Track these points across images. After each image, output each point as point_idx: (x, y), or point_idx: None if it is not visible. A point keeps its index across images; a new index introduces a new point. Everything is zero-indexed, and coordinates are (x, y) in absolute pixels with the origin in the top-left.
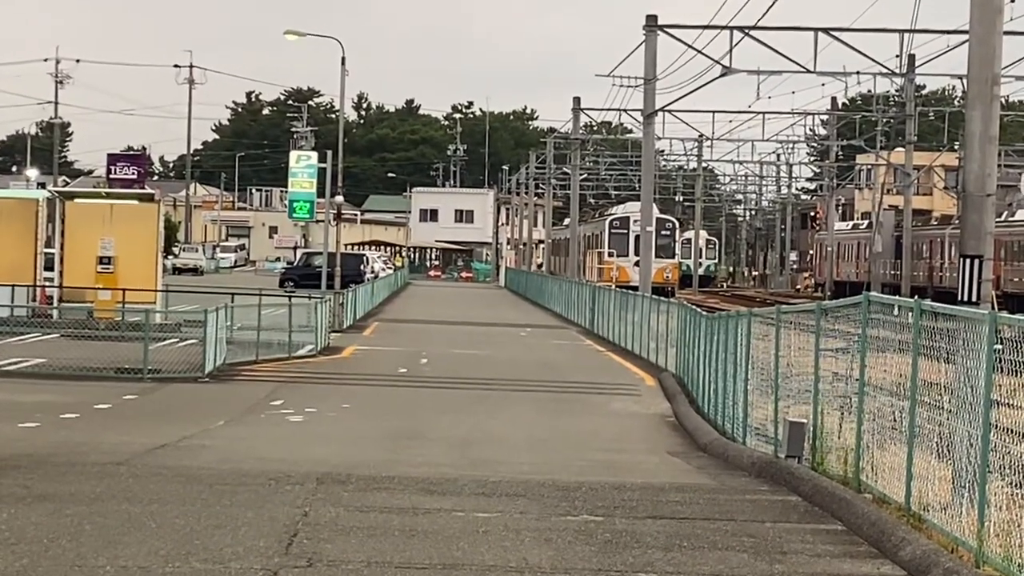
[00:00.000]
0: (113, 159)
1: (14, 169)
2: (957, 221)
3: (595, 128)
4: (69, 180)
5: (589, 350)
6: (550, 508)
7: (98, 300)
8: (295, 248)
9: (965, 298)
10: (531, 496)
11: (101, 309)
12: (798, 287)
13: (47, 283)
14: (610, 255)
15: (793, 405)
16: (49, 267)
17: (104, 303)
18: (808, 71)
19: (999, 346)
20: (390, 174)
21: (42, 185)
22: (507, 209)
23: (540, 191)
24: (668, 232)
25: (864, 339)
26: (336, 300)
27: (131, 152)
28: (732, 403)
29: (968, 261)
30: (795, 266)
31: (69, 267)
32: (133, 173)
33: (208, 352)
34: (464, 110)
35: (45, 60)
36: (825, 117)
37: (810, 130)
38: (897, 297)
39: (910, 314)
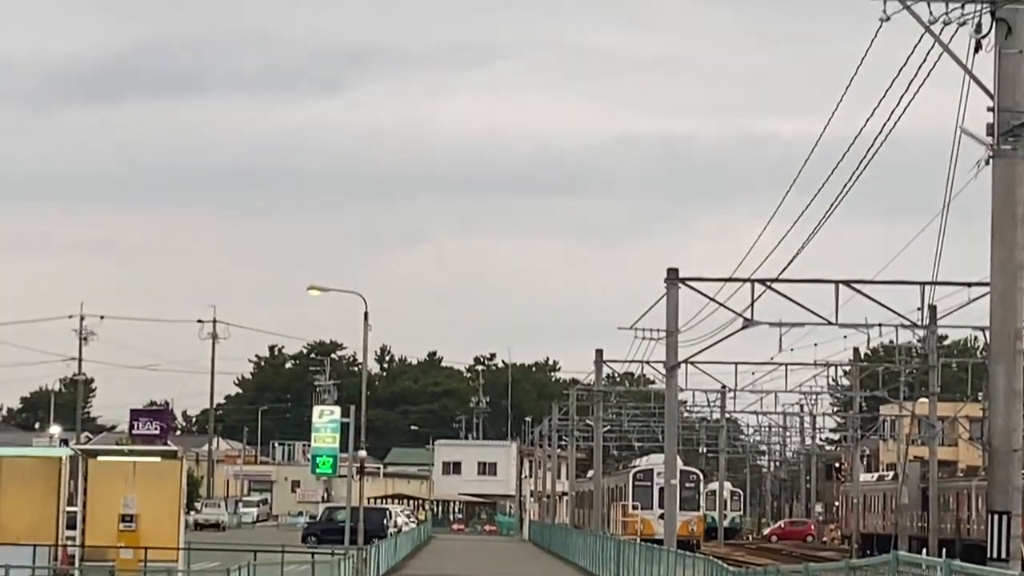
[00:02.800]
0: (136, 414)
1: (37, 426)
2: (983, 473)
3: (618, 379)
4: (92, 436)
5: None
6: None
7: (120, 559)
8: (322, 500)
9: (994, 555)
10: None
11: (123, 568)
12: (824, 539)
13: (69, 542)
14: (634, 508)
15: None
16: (71, 525)
17: (126, 562)
18: (830, 323)
19: None
20: (413, 427)
21: (65, 442)
22: (530, 461)
23: (563, 443)
24: (692, 484)
25: None
26: (359, 556)
27: (154, 408)
28: None
29: (996, 517)
30: (821, 517)
31: (91, 525)
32: (156, 428)
33: None
34: (486, 362)
35: (70, 317)
36: (848, 368)
37: (833, 380)
38: (925, 556)
39: (939, 571)
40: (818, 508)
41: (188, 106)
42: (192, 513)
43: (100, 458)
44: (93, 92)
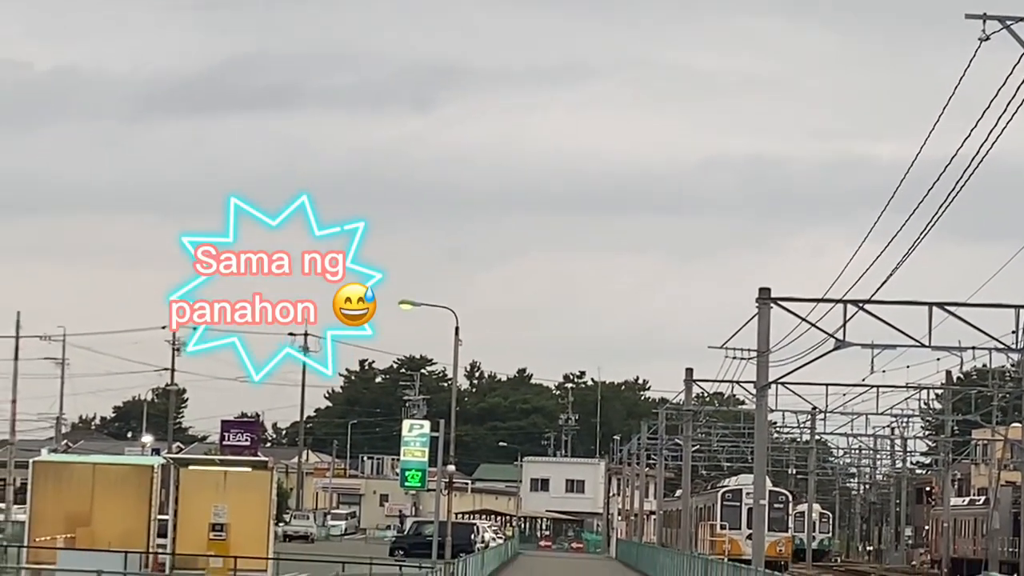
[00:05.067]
0: (227, 426)
1: (129, 435)
2: None
3: (707, 399)
4: (183, 446)
5: None
6: None
7: (210, 568)
8: (399, 515)
9: None
10: None
11: None
12: (914, 563)
13: (160, 550)
14: (722, 527)
15: None
16: (162, 533)
17: (216, 570)
18: (923, 345)
19: None
20: (501, 443)
21: (157, 451)
22: (618, 479)
23: (652, 462)
24: (781, 505)
25: None
26: (446, 570)
27: (244, 419)
28: None
29: None
30: (910, 541)
31: (182, 534)
32: (246, 440)
33: None
34: (576, 380)
35: (163, 328)
36: (940, 391)
37: (925, 404)
38: None
39: None
40: (908, 532)
41: (279, 120)
42: (281, 525)
43: (191, 467)
44: (188, 106)
